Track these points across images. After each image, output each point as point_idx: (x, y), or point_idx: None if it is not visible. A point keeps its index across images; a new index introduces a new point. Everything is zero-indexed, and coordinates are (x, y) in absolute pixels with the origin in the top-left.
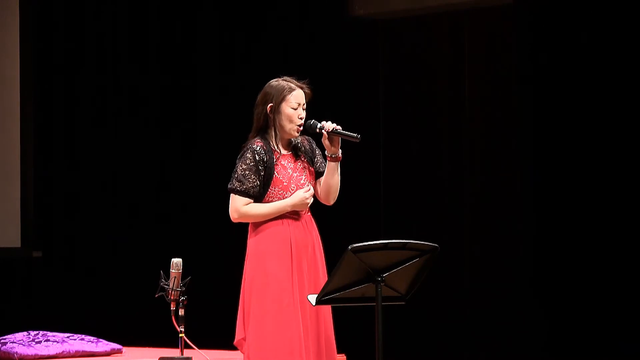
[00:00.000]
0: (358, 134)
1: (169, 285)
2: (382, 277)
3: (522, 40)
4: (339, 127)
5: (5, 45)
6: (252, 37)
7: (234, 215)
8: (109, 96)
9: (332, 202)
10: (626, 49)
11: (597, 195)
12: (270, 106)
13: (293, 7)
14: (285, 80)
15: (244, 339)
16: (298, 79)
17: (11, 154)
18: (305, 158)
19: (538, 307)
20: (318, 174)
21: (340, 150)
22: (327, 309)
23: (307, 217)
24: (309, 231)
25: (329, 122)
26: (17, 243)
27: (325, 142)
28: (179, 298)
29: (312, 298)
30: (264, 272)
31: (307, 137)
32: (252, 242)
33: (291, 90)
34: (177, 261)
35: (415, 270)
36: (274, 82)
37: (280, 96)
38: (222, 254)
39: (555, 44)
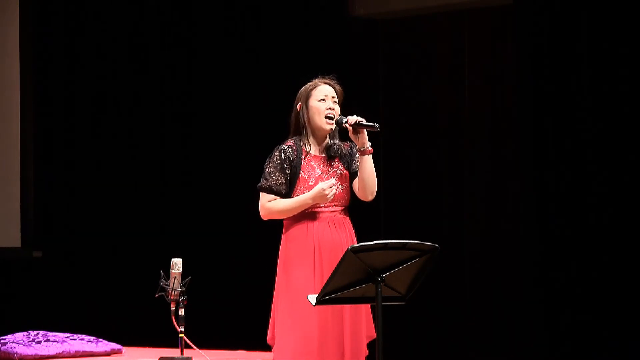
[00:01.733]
0: (377, 124)
1: (169, 285)
2: (382, 277)
3: (522, 40)
4: (362, 120)
5: (5, 45)
6: (251, 37)
7: (261, 212)
8: (109, 96)
9: (370, 198)
10: (627, 49)
11: (598, 196)
12: (299, 105)
13: (293, 7)
14: (314, 80)
15: (272, 338)
16: (324, 77)
17: (11, 154)
18: (341, 161)
19: (538, 308)
20: (353, 175)
21: (369, 143)
22: (361, 312)
23: (338, 219)
24: (338, 232)
25: (353, 116)
26: (17, 243)
27: (352, 136)
28: (179, 298)
29: (312, 298)
30: (287, 275)
31: (350, 142)
32: (281, 246)
33: (316, 85)
34: (177, 261)
35: (415, 270)
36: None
37: (307, 93)
38: (222, 254)
39: (555, 44)
